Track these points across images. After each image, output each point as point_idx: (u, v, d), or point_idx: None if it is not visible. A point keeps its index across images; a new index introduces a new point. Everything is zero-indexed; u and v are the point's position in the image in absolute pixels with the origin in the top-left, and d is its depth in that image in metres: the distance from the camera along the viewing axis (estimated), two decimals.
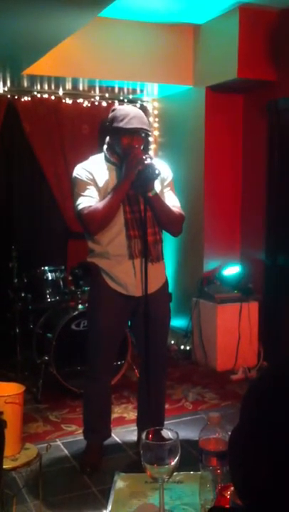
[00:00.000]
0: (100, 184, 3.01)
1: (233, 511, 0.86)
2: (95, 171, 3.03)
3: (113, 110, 3.07)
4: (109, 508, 1.53)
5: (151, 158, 3.01)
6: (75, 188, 3.04)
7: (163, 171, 3.09)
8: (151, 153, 5.64)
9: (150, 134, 3.12)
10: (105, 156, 3.08)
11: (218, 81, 4.88)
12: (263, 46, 4.65)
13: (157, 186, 3.02)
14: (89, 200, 2.97)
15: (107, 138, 3.09)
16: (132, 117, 2.96)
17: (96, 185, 3.01)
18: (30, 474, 2.79)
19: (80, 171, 3.05)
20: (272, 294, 4.94)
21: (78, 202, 2.99)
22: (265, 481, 0.75)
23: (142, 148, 3.02)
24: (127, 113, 2.98)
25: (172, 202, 3.12)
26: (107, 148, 3.09)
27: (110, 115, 3.05)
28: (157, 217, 3.05)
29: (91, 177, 3.02)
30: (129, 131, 2.95)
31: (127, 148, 2.96)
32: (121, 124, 2.95)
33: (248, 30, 4.57)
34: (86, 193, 2.99)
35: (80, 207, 2.98)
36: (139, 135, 2.98)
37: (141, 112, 3.07)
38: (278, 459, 0.74)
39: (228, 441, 0.85)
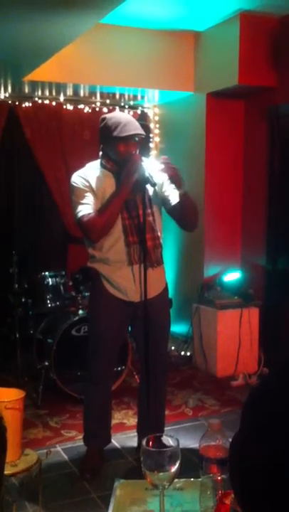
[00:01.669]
0: (97, 191, 3.02)
1: None
2: (91, 178, 3.04)
3: (103, 120, 3.04)
4: None
5: (150, 162, 3.01)
6: (72, 195, 3.05)
7: (162, 175, 3.08)
8: (152, 158, 5.65)
9: (147, 137, 3.11)
10: (101, 163, 3.09)
11: (219, 87, 4.89)
12: (264, 52, 4.67)
13: (161, 183, 3.03)
14: (88, 208, 2.98)
15: (102, 145, 3.09)
16: (125, 124, 2.96)
17: (93, 192, 3.02)
18: (30, 480, 2.79)
19: (76, 178, 3.06)
20: (272, 299, 4.94)
21: (78, 210, 2.99)
22: (265, 488, 0.75)
23: (137, 152, 3.02)
24: (119, 121, 2.98)
25: (177, 198, 3.12)
26: (102, 155, 3.09)
27: (102, 125, 3.03)
28: (185, 215, 3.08)
29: (88, 184, 3.02)
30: (125, 138, 2.95)
31: (124, 155, 2.97)
32: (115, 133, 2.95)
33: (248, 36, 4.59)
34: (84, 200, 3.00)
35: (79, 215, 2.98)
36: (134, 140, 2.99)
37: (131, 117, 3.09)
38: (278, 463, 0.74)
39: (229, 447, 0.85)
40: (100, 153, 3.10)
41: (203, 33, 5.03)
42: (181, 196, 3.01)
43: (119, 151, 2.97)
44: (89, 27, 3.49)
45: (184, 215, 3.09)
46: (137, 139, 3.00)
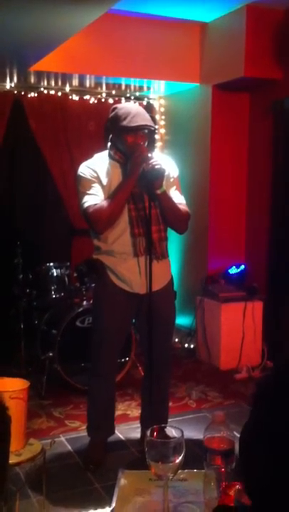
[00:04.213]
0: (104, 182, 3.00)
1: (238, 510, 0.86)
2: (99, 169, 3.03)
3: (114, 109, 3.04)
4: (114, 504, 1.53)
5: (156, 154, 3.00)
6: (79, 186, 3.04)
7: (168, 167, 3.09)
8: (157, 150, 5.64)
9: (155, 129, 3.10)
10: (109, 154, 3.07)
11: (225, 79, 4.87)
12: (270, 45, 4.64)
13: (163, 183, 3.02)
14: (94, 199, 2.97)
15: (110, 136, 3.08)
16: (134, 115, 2.94)
17: (100, 183, 3.01)
18: (34, 470, 2.81)
19: (84, 169, 3.05)
20: (276, 293, 4.94)
21: (84, 200, 2.99)
22: (274, 476, 0.75)
23: (146, 144, 3.01)
24: (129, 111, 2.96)
25: (178, 199, 3.11)
26: (110, 146, 3.08)
27: (112, 114, 3.02)
28: (164, 215, 3.05)
29: (95, 175, 3.01)
30: (133, 129, 2.94)
31: (131, 146, 2.95)
32: (124, 123, 2.93)
33: (255, 28, 4.57)
34: (91, 191, 2.99)
35: (85, 205, 2.97)
36: (143, 132, 2.97)
37: (142, 109, 3.06)
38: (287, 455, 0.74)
39: (240, 436, 0.85)
40: (109, 144, 3.09)
41: (209, 24, 5.01)
42: (159, 195, 2.97)
43: (127, 142, 2.96)
44: (95, 17, 3.47)
45: (165, 215, 3.05)
46: (146, 131, 2.99)
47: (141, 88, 5.51)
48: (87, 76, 5.03)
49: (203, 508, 1.48)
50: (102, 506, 2.78)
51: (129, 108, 3.01)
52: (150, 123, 2.99)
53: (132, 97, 5.71)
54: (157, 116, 5.80)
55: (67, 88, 5.37)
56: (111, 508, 1.54)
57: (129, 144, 2.96)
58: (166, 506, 1.46)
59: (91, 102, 5.52)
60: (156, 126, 5.69)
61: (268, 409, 0.79)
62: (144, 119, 2.96)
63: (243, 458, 0.83)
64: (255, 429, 0.80)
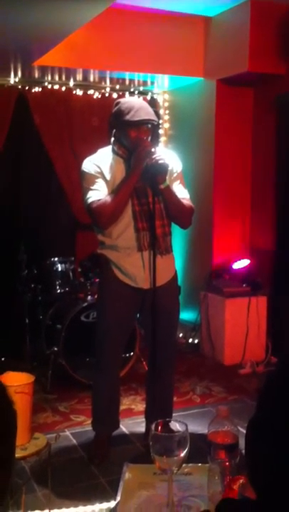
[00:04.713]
0: (108, 177, 3.00)
1: (243, 503, 0.87)
2: (102, 165, 3.02)
3: (117, 104, 3.03)
4: (118, 498, 1.54)
5: (160, 149, 3.00)
6: (83, 181, 3.04)
7: (172, 162, 3.08)
8: (161, 145, 5.63)
9: (158, 124, 3.09)
10: (113, 149, 3.07)
11: (229, 74, 4.86)
12: (274, 40, 4.62)
13: (166, 178, 3.01)
14: (98, 194, 2.97)
15: (114, 131, 3.07)
16: (137, 109, 2.93)
17: (104, 178, 3.00)
18: (39, 464, 2.82)
19: (87, 164, 3.04)
20: (281, 288, 4.93)
21: (88, 196, 2.99)
22: (281, 472, 0.75)
23: (149, 139, 3.00)
24: (132, 105, 2.95)
25: (181, 194, 3.11)
26: (114, 141, 3.07)
27: (115, 109, 3.01)
28: (167, 210, 3.05)
29: (99, 170, 3.01)
30: (137, 123, 2.93)
31: (135, 140, 2.94)
32: (127, 117, 2.92)
33: (259, 23, 4.55)
34: (95, 186, 2.99)
35: (89, 201, 2.97)
36: (146, 127, 2.97)
37: (145, 103, 3.05)
38: None
39: (246, 431, 0.86)
40: (112, 139, 3.08)
41: (213, 19, 4.99)
42: (162, 190, 2.97)
43: (131, 137, 2.95)
44: (99, 11, 3.46)
45: (168, 210, 3.05)
46: (149, 125, 2.98)
47: (145, 83, 5.50)
48: (91, 71, 5.02)
49: (208, 501, 1.49)
50: (107, 500, 2.79)
51: (133, 102, 3.00)
52: (153, 117, 2.98)
53: (136, 92, 5.70)
54: (161, 111, 5.79)
55: (71, 83, 5.36)
56: (116, 501, 1.55)
57: (132, 138, 2.95)
58: (170, 500, 1.46)
59: (95, 96, 5.52)
60: (160, 121, 5.70)
61: (275, 404, 0.79)
62: (147, 113, 2.95)
63: (249, 452, 0.84)
64: (261, 424, 0.81)
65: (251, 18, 4.52)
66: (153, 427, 1.44)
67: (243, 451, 0.91)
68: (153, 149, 2.94)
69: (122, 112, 2.95)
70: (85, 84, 5.44)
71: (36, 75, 5.10)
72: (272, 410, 0.81)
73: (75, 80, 5.32)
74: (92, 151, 3.18)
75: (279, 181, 4.93)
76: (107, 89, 5.54)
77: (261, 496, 0.80)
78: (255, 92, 5.19)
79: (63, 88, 5.38)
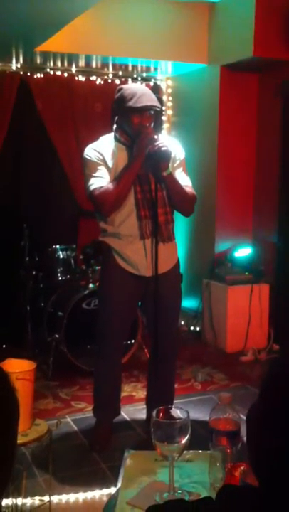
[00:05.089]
0: (110, 164, 2.99)
1: (245, 489, 0.87)
2: (105, 152, 3.01)
3: (119, 90, 3.01)
4: (119, 484, 1.55)
5: (162, 136, 2.98)
6: (85, 169, 3.02)
7: (175, 149, 3.07)
8: (164, 132, 5.60)
9: (160, 110, 3.07)
10: (115, 136, 3.05)
11: (233, 60, 4.81)
12: (279, 25, 4.56)
13: (169, 165, 3.00)
14: (100, 181, 2.95)
15: (116, 118, 3.05)
16: (140, 95, 2.91)
17: (106, 165, 2.99)
18: (40, 450, 2.83)
19: (90, 151, 3.03)
20: (283, 276, 4.93)
21: (90, 183, 2.97)
22: (281, 455, 0.75)
23: (152, 126, 2.98)
24: (135, 91, 2.93)
25: (184, 182, 3.09)
26: (116, 128, 3.05)
27: (118, 95, 2.99)
28: (170, 197, 3.03)
29: (101, 157, 2.99)
30: (139, 109, 2.91)
31: (137, 127, 2.92)
32: (130, 104, 2.90)
33: (264, 8, 4.49)
34: (97, 173, 2.97)
35: (91, 188, 2.96)
36: (149, 113, 2.94)
37: (148, 90, 3.03)
38: None
39: (246, 416, 0.86)
40: (114, 126, 3.06)
41: (217, 4, 4.93)
42: (165, 177, 2.96)
43: (133, 123, 2.93)
44: None
45: (171, 198, 3.04)
46: (152, 112, 2.96)
47: (148, 69, 5.45)
48: (94, 56, 4.98)
49: (209, 488, 1.49)
50: (108, 486, 2.81)
51: (135, 89, 2.98)
52: (156, 103, 2.96)
53: (139, 78, 5.66)
54: (164, 98, 5.75)
55: (74, 69, 5.32)
56: (116, 487, 1.55)
57: (135, 124, 2.93)
58: (171, 486, 1.47)
59: (97, 82, 5.48)
60: (164, 108, 5.66)
61: (277, 393, 0.79)
62: (150, 99, 2.93)
63: (250, 441, 0.83)
64: (263, 413, 0.80)
65: (256, 3, 4.46)
66: (154, 413, 1.44)
67: (245, 438, 0.90)
68: (156, 136, 2.92)
69: (125, 98, 2.93)
70: (87, 70, 5.40)
71: (38, 61, 5.06)
72: (274, 399, 0.80)
73: (77, 66, 5.28)
74: (94, 137, 3.16)
75: (284, 168, 4.90)
76: (110, 76, 5.50)
77: (263, 483, 0.80)
78: (260, 77, 5.14)
79: (65, 74, 5.34)
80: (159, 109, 3.00)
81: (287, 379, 0.80)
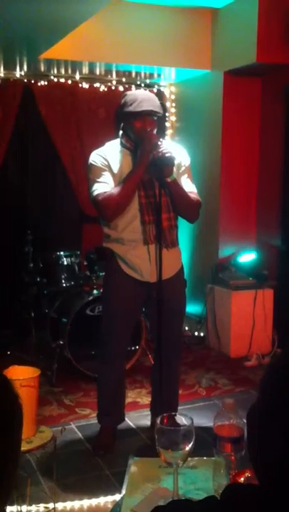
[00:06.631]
0: (115, 170, 3.00)
1: (250, 488, 0.86)
2: (110, 157, 3.02)
3: (124, 96, 3.05)
4: (124, 491, 1.54)
5: (167, 142, 2.98)
6: (90, 174, 3.04)
7: (180, 156, 3.08)
8: (167, 138, 5.61)
9: (163, 115, 3.08)
10: (121, 142, 3.07)
11: (237, 65, 4.82)
12: (282, 30, 4.57)
13: (174, 171, 3.00)
14: (104, 186, 2.97)
15: (122, 124, 3.07)
16: (141, 100, 2.94)
17: (111, 171, 3.00)
18: (45, 456, 2.83)
19: (95, 157, 3.05)
20: (287, 280, 4.92)
21: (94, 188, 2.99)
22: (281, 456, 0.75)
23: (155, 131, 2.99)
24: (136, 97, 2.97)
25: (189, 188, 3.10)
26: (122, 135, 3.08)
27: (121, 101, 3.03)
28: (174, 203, 3.04)
29: (106, 163, 3.01)
30: (140, 114, 2.93)
31: (140, 132, 2.94)
32: (131, 108, 2.94)
33: (266, 14, 4.50)
34: (101, 179, 2.98)
35: (95, 193, 2.97)
36: (150, 118, 2.96)
37: (151, 95, 3.05)
38: None
39: (247, 416, 0.86)
40: (120, 132, 3.08)
41: (220, 10, 4.95)
42: (169, 183, 2.96)
43: (135, 128, 2.95)
44: (105, 4, 3.44)
45: (175, 203, 3.05)
46: (155, 118, 2.98)
47: (151, 75, 5.47)
48: (97, 63, 5.00)
49: (213, 494, 1.49)
50: (112, 492, 2.80)
51: (138, 94, 3.02)
52: (157, 108, 2.97)
53: (143, 85, 5.68)
54: (168, 104, 5.76)
55: (77, 76, 5.34)
56: (121, 494, 1.55)
57: (136, 129, 2.95)
58: (175, 493, 1.46)
59: (101, 89, 5.49)
60: (167, 114, 5.68)
61: (279, 392, 0.79)
62: (151, 104, 2.95)
63: (251, 441, 0.83)
64: (264, 412, 0.80)
65: (259, 9, 4.48)
66: (158, 420, 1.44)
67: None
68: (159, 142, 2.93)
69: (126, 103, 2.97)
70: (91, 77, 5.42)
71: (42, 69, 5.08)
72: (274, 398, 0.81)
73: (81, 73, 5.30)
74: (98, 143, 3.18)
75: (286, 173, 4.90)
76: (114, 82, 5.52)
77: (264, 484, 0.80)
78: (263, 82, 5.15)
79: (69, 81, 5.36)
80: (160, 114, 3.01)
81: (287, 377, 0.80)
